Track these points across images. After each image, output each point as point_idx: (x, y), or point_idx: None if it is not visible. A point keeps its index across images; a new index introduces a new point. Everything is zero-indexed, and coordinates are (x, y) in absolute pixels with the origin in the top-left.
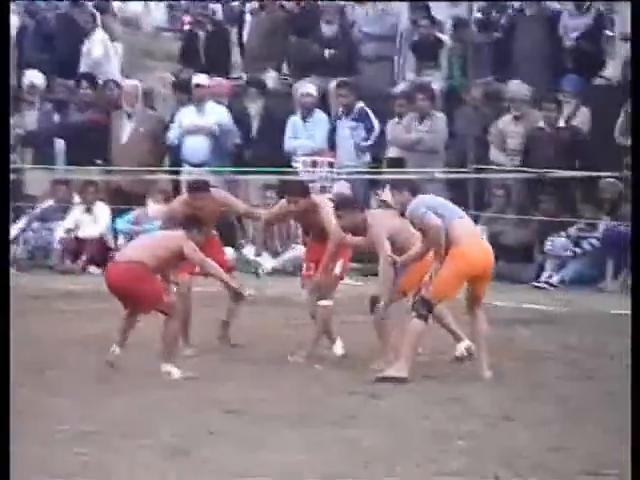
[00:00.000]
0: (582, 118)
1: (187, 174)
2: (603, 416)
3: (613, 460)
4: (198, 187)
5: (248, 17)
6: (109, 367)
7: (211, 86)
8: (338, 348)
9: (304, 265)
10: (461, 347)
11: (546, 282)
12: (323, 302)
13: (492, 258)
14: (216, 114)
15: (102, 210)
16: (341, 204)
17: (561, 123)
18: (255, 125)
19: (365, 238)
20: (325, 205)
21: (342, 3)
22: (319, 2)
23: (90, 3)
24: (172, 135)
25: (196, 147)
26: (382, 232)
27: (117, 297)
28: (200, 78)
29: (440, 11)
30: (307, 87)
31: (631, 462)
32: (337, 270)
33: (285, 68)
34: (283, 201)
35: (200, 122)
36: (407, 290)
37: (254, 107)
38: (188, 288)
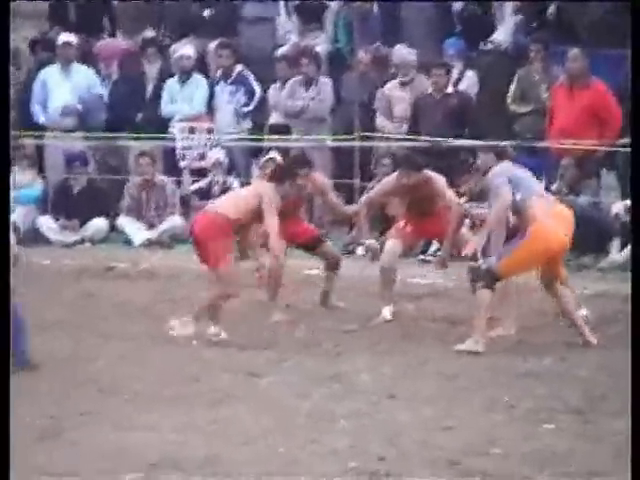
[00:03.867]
0: (469, 82)
1: (53, 138)
2: (490, 393)
3: (499, 437)
4: (302, 162)
5: None
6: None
7: (102, 47)
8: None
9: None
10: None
11: (433, 255)
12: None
13: (567, 238)
14: (83, 77)
15: None
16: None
17: (449, 89)
18: (150, 88)
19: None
20: (438, 179)
21: None
22: None
23: None
24: (37, 96)
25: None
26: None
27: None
28: (68, 36)
29: None
30: (185, 49)
31: (631, 463)
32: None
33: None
34: (391, 177)
35: (67, 84)
36: None
37: (151, 69)
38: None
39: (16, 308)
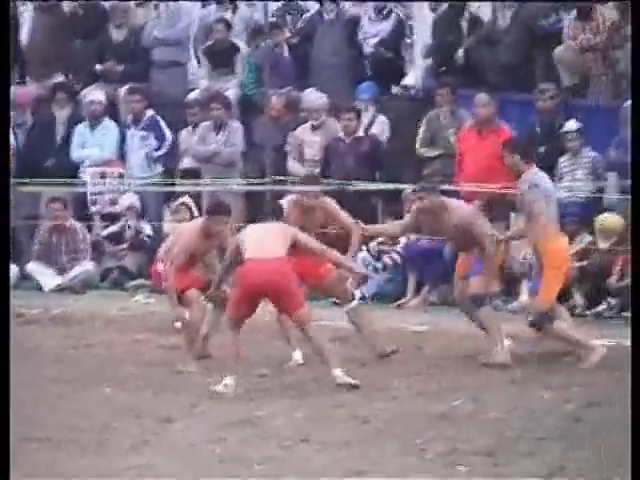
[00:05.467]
0: (380, 127)
1: None
2: (402, 436)
3: None
4: (218, 209)
5: (27, 17)
6: None
7: (17, 94)
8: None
9: None
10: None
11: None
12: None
13: None
14: None
15: None
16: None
17: (360, 132)
18: (60, 133)
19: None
20: (331, 201)
21: (128, 4)
22: (104, 3)
23: None
24: None
25: None
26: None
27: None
28: None
29: (235, 15)
30: (95, 94)
31: (631, 462)
32: None
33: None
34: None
35: None
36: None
37: (61, 114)
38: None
39: None
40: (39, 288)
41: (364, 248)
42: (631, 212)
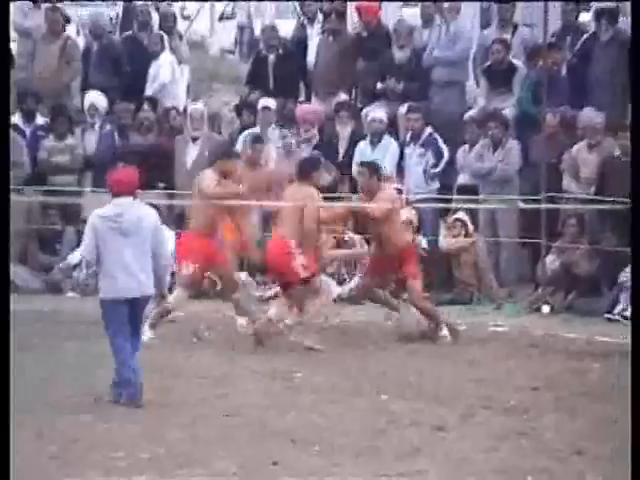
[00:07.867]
0: None
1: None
2: None
3: None
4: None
5: (315, 41)
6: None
7: (309, 112)
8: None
9: None
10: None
11: (620, 315)
12: None
13: None
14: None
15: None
16: None
17: None
18: (343, 150)
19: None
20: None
21: (412, 26)
22: (389, 26)
23: (156, 25)
24: None
25: None
26: None
27: None
28: (267, 101)
29: (514, 36)
30: (377, 112)
31: (631, 461)
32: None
33: (354, 93)
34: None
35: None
36: None
37: (344, 131)
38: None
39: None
40: None
41: None
42: (631, 213)
